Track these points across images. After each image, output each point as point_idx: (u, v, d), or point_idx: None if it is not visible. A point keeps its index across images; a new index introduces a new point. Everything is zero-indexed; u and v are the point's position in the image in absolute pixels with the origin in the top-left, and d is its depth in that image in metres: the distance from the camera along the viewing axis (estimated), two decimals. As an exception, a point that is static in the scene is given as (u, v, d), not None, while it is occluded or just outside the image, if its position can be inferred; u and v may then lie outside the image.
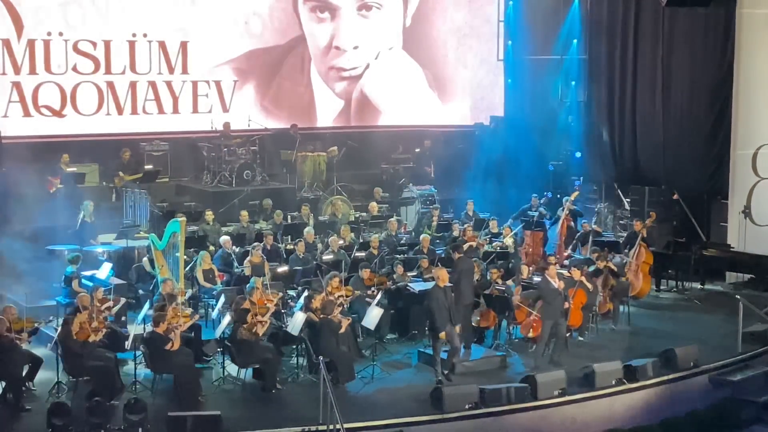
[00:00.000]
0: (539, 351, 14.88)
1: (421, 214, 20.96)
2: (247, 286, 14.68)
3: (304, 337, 14.13)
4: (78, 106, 21.50)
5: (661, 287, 19.11)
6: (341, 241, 17.84)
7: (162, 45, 22.25)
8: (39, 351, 13.83)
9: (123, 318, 14.86)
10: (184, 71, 22.56)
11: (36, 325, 13.82)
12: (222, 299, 14.93)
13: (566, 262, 17.79)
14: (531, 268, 17.20)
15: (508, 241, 18.37)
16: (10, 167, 19.30)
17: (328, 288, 14.79)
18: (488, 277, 16.25)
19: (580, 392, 13.87)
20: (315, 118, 24.53)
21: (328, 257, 17.16)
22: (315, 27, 24.24)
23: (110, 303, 14.29)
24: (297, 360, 14.47)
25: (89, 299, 13.82)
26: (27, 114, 21.02)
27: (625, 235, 19.68)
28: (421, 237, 18.26)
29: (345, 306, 14.72)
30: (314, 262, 17.03)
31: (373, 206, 20.27)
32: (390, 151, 23.55)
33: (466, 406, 13.09)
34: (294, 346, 14.63)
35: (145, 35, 22.03)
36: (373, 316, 14.79)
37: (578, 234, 19.26)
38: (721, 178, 20.24)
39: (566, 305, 14.93)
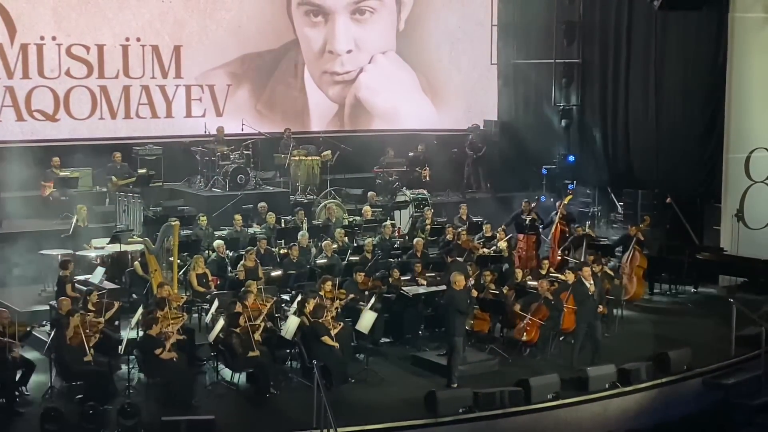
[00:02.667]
0: (575, 352, 14.94)
1: (414, 217, 20.96)
2: (242, 290, 14.66)
3: (298, 341, 14.13)
4: (71, 111, 21.52)
5: (655, 291, 19.13)
6: (335, 245, 17.83)
7: (155, 49, 22.26)
8: (32, 355, 13.82)
9: (116, 322, 14.83)
10: (178, 75, 22.59)
11: (29, 329, 13.79)
12: (215, 303, 14.91)
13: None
14: (525, 272, 17.24)
15: (503, 244, 18.37)
16: (3, 171, 19.31)
17: (321, 292, 14.77)
18: (482, 281, 16.25)
19: (573, 396, 13.87)
20: (309, 122, 24.58)
21: (322, 261, 17.16)
22: (308, 31, 24.27)
23: (103, 305, 14.28)
24: (291, 364, 14.46)
25: (70, 303, 13.81)
26: (20, 118, 21.03)
27: (617, 238, 19.72)
28: (415, 241, 18.24)
29: (338, 310, 14.69)
30: (308, 266, 17.03)
31: (367, 210, 20.26)
32: (384, 156, 23.56)
33: (460, 410, 13.09)
34: (288, 351, 14.61)
35: (138, 39, 22.05)
36: (366, 320, 14.79)
37: (572, 238, 19.26)
38: (714, 181, 20.25)
39: (600, 308, 15.04)
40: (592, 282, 14.88)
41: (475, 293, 14.96)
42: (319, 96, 24.56)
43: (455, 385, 13.80)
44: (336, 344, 13.93)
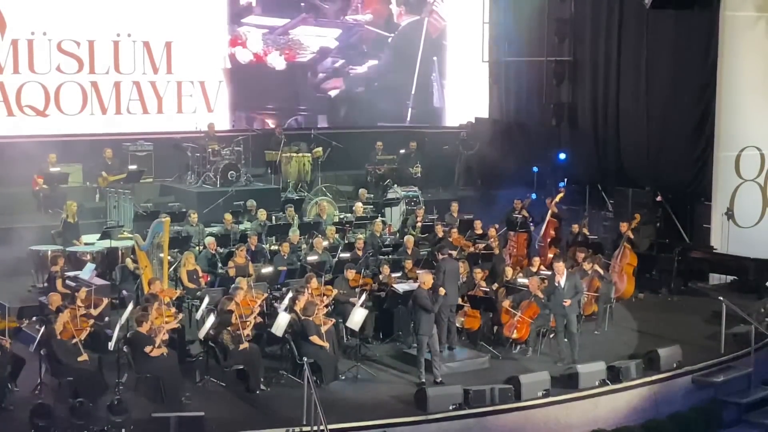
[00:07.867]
0: (560, 345, 15.05)
1: (405, 215, 20.96)
2: (232, 286, 14.63)
3: (288, 338, 14.12)
4: (62, 106, 21.48)
5: (645, 289, 19.16)
6: (326, 242, 17.83)
7: (146, 45, 22.24)
8: (22, 351, 13.78)
9: (107, 318, 14.80)
10: (169, 71, 22.57)
11: (19, 325, 13.75)
12: (206, 300, 14.89)
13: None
14: (516, 270, 17.24)
15: (493, 242, 18.37)
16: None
17: (308, 289, 14.75)
18: (473, 279, 16.25)
19: (563, 393, 13.90)
20: (300, 118, 24.56)
21: (312, 258, 17.15)
22: (300, 27, 24.25)
23: (93, 300, 14.25)
24: (281, 361, 14.45)
25: (60, 298, 13.77)
26: (10, 113, 20.98)
27: (607, 236, 19.74)
28: (405, 238, 18.25)
29: (329, 307, 14.68)
30: (299, 263, 17.02)
31: (358, 207, 20.26)
32: (375, 153, 23.57)
33: (450, 407, 13.09)
34: (278, 347, 14.60)
35: (129, 35, 22.01)
36: (357, 317, 14.78)
37: (568, 235, 19.27)
38: (704, 179, 20.29)
39: (567, 302, 14.89)
40: (564, 277, 14.91)
41: (442, 292, 14.18)
42: (310, 93, 24.55)
43: (423, 380, 13.81)
44: (326, 344, 13.92)
